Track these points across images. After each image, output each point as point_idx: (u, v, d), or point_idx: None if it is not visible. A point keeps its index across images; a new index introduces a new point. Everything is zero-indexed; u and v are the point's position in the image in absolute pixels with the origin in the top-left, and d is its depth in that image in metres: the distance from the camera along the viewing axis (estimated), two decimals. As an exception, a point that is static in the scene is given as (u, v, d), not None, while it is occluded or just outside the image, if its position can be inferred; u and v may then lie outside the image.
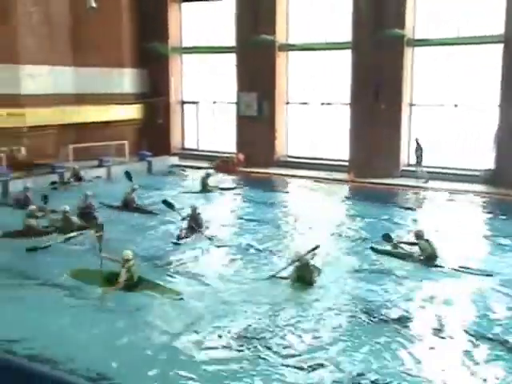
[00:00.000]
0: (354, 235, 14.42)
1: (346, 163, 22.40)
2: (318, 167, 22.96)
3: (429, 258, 11.96)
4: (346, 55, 22.01)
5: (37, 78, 22.36)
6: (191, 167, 24.46)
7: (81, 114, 23.86)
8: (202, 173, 20.72)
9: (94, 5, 22.43)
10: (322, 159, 23.46)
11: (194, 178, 21.75)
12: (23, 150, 21.46)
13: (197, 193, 19.28)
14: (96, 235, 10.91)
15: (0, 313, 9.58)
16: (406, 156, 21.89)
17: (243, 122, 24.59)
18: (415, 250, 12.28)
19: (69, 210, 14.43)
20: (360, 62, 21.46)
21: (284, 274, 11.15)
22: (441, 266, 11.78)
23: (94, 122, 24.09)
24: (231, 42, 24.55)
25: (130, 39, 25.51)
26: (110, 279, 10.32)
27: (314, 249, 11.18)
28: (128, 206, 16.84)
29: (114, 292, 10.14)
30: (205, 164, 24.27)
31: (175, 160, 25.71)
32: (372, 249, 12.95)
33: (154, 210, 16.55)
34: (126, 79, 25.70)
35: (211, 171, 20.85)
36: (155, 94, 26.28)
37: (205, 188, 19.57)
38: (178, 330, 8.95)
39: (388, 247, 12.83)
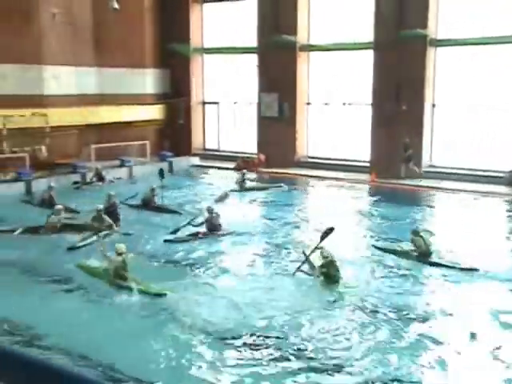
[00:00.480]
0: (375, 235, 14.36)
1: (368, 164, 22.29)
2: (338, 168, 22.86)
3: (423, 255, 12.20)
4: (368, 55, 21.89)
5: (60, 79, 22.55)
6: (212, 167, 24.57)
7: (103, 115, 24.03)
8: (236, 174, 21.52)
9: (116, 6, 22.63)
10: (343, 160, 23.36)
11: (222, 177, 22.34)
12: (44, 150, 21.60)
13: (236, 191, 19.69)
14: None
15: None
16: (428, 157, 21.70)
17: (264, 122, 24.59)
18: (410, 246, 12.52)
19: (102, 209, 14.59)
20: (382, 62, 21.34)
21: (309, 269, 11.21)
22: (436, 264, 11.96)
23: (115, 123, 24.26)
24: (252, 42, 24.55)
25: (151, 40, 25.64)
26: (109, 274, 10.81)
27: (327, 232, 11.37)
28: (148, 205, 16.98)
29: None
30: (226, 164, 24.36)
31: (196, 160, 25.80)
32: (374, 246, 13.32)
33: (178, 210, 16.72)
34: (148, 80, 25.83)
35: (246, 171, 21.01)
36: (177, 95, 26.39)
37: (242, 187, 20.00)
38: (203, 327, 8.99)
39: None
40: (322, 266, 10.84)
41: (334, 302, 10.02)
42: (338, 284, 10.65)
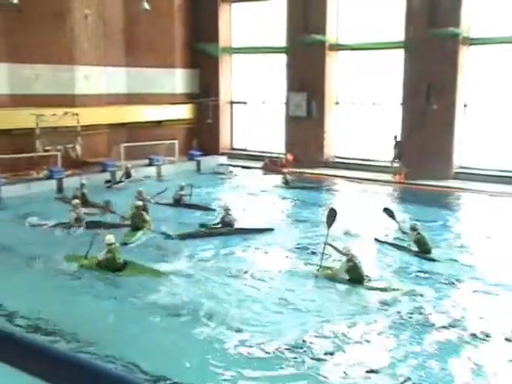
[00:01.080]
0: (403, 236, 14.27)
1: (396, 164, 22.12)
2: (367, 168, 22.75)
3: (422, 251, 12.51)
4: (398, 55, 21.77)
5: (91, 79, 22.81)
6: (239, 167, 24.63)
7: (133, 114, 24.27)
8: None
9: (147, 7, 22.80)
10: (372, 160, 23.26)
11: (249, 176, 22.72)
12: (79, 149, 21.88)
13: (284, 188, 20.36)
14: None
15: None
16: (459, 158, 21.48)
17: (292, 122, 24.58)
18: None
19: (141, 205, 14.82)
20: (412, 62, 21.19)
21: (331, 270, 11.24)
22: (434, 260, 12.21)
23: (145, 122, 24.50)
24: (281, 42, 24.55)
25: (181, 40, 25.79)
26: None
27: (332, 215, 11.68)
28: (178, 202, 17.16)
29: (90, 266, 11.44)
30: (253, 164, 24.41)
31: (224, 160, 25.90)
32: (376, 240, 13.58)
33: (211, 206, 16.94)
34: (177, 79, 25.99)
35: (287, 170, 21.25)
36: (205, 94, 26.51)
37: (288, 184, 20.49)
38: (229, 326, 9.02)
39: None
40: (347, 269, 10.78)
41: (357, 303, 10.03)
42: (362, 284, 10.64)
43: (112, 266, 11.35)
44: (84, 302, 10.21)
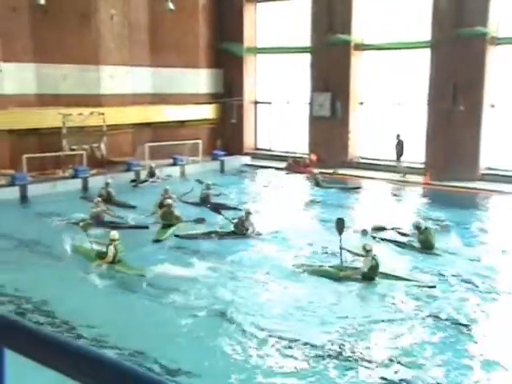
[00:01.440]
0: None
1: (422, 165, 21.94)
2: (392, 169, 22.54)
3: (425, 247, 12.82)
4: (425, 55, 21.58)
5: (116, 79, 22.97)
6: (263, 167, 24.60)
7: (157, 114, 24.36)
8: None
9: (171, 7, 22.91)
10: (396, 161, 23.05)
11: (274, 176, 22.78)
12: (103, 148, 22.06)
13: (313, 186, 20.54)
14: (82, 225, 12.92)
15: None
16: (486, 159, 21.20)
17: (316, 122, 24.49)
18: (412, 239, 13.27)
19: (172, 203, 14.99)
20: (439, 62, 20.97)
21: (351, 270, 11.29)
22: (437, 254, 12.52)
23: (169, 122, 24.59)
24: (306, 42, 24.48)
25: (205, 40, 25.84)
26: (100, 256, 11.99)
27: (340, 224, 11.81)
28: (205, 202, 17.21)
29: (104, 265, 11.68)
30: (277, 164, 24.38)
31: (247, 160, 25.90)
32: (372, 237, 13.72)
33: (238, 206, 16.99)
34: (202, 79, 26.05)
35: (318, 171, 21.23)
36: (229, 94, 26.55)
37: (319, 185, 20.52)
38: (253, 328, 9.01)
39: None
40: (370, 269, 10.83)
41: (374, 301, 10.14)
42: (374, 281, 10.81)
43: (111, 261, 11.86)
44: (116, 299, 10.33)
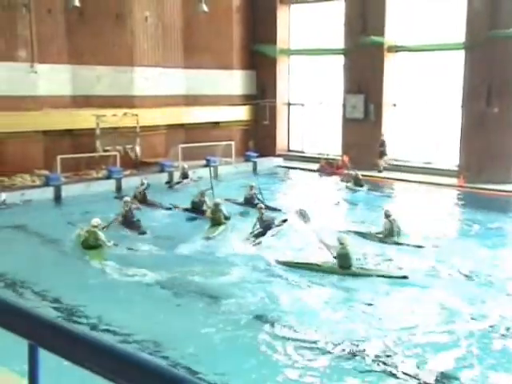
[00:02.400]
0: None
1: (455, 168, 21.66)
2: (425, 171, 22.30)
3: (389, 236, 13.48)
4: (459, 56, 21.30)
5: (149, 80, 23.14)
6: (296, 168, 24.56)
7: (190, 115, 24.47)
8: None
9: (205, 8, 23.01)
10: (430, 163, 22.82)
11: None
12: (138, 150, 22.24)
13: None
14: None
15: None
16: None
17: (349, 124, 24.34)
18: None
19: (220, 202, 15.25)
20: (473, 63, 20.67)
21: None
22: (400, 243, 13.15)
23: (202, 123, 24.69)
24: (339, 43, 24.34)
25: (239, 41, 25.91)
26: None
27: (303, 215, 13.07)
28: (250, 202, 17.33)
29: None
30: (309, 166, 24.30)
31: (280, 161, 25.86)
32: (349, 231, 14.21)
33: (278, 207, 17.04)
34: (235, 81, 26.11)
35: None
36: (262, 96, 26.55)
37: (358, 184, 20.61)
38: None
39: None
40: (336, 257, 11.54)
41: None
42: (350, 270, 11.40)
43: (85, 245, 12.88)
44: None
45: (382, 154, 23.00)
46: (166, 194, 19.06)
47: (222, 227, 14.79)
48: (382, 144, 22.99)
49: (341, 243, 11.63)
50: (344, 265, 11.42)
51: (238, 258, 12.55)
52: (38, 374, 2.17)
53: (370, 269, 11.69)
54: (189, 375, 1.89)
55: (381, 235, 13.63)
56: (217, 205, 15.25)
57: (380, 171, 22.89)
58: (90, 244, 12.84)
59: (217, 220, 14.98)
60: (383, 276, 11.25)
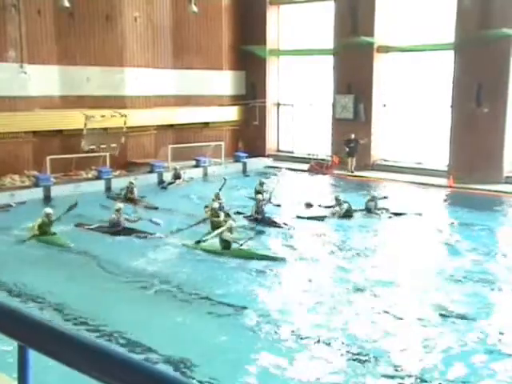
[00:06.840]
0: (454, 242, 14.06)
1: (445, 168, 21.75)
2: (414, 171, 22.38)
3: (346, 215, 15.62)
4: (448, 56, 21.41)
5: (140, 81, 23.06)
6: (287, 168, 24.54)
7: (180, 115, 24.44)
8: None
9: (195, 9, 23.02)
10: (419, 163, 22.91)
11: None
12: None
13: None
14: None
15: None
16: (509, 162, 20.94)
17: (339, 124, 24.38)
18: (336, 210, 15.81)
19: (216, 207, 14.99)
20: (463, 63, 20.79)
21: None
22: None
23: (192, 123, 24.67)
24: (329, 44, 24.38)
25: (229, 42, 25.90)
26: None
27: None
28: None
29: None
30: (299, 166, 24.33)
31: (270, 162, 25.88)
32: (298, 217, 15.66)
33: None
34: (225, 81, 26.11)
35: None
36: (252, 96, 26.56)
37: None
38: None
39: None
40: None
41: None
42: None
43: (42, 232, 13.59)
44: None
45: (351, 153, 22.91)
46: (158, 195, 19.01)
47: (217, 231, 14.01)
48: (349, 142, 22.85)
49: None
50: (226, 246, 12.46)
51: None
52: (28, 376, 2.17)
53: (249, 250, 12.39)
54: (180, 376, 1.90)
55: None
56: (213, 209, 14.90)
57: (351, 172, 22.83)
58: (46, 230, 13.67)
59: (217, 224, 14.44)
60: (263, 257, 12.02)
